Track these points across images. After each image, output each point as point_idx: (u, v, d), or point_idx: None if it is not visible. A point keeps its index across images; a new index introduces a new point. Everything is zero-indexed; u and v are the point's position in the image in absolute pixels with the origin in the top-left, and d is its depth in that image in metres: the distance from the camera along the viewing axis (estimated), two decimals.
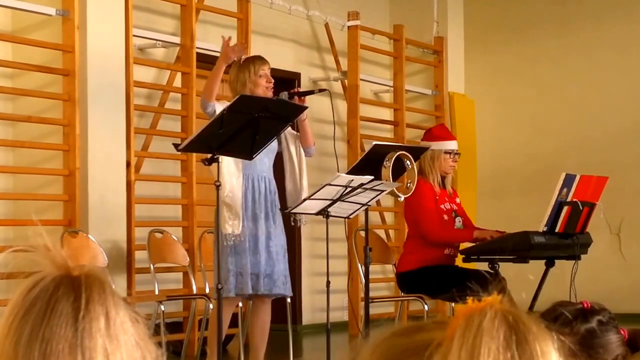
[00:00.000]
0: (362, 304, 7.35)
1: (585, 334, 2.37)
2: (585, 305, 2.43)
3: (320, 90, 7.18)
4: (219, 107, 6.36)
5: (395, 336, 1.21)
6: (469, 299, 1.20)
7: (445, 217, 7.49)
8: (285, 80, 10.26)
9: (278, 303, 7.16)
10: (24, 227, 7.59)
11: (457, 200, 7.70)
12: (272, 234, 6.63)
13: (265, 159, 6.61)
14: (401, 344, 1.20)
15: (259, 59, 6.80)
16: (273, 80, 6.76)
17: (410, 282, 7.42)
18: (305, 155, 6.86)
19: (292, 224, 6.85)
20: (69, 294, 1.29)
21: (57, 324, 1.27)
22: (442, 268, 7.33)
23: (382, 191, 6.64)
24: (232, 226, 6.48)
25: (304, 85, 10.54)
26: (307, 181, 6.83)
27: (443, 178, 7.61)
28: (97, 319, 1.28)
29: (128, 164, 8.13)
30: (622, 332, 2.41)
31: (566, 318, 2.38)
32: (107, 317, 1.29)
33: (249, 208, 6.58)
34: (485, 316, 1.15)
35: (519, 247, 7.12)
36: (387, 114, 11.32)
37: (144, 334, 1.33)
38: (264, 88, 6.64)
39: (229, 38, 6.62)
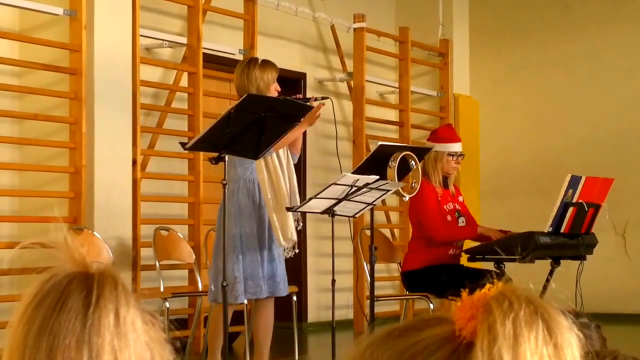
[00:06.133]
0: (368, 302, 7.36)
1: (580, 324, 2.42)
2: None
3: (323, 98, 6.98)
4: None
5: (394, 339, 1.14)
6: (464, 294, 1.14)
7: (449, 217, 7.51)
8: (292, 81, 10.30)
9: (284, 301, 7.18)
10: (29, 223, 7.64)
11: (460, 199, 7.71)
12: (274, 237, 6.66)
13: None
14: (407, 345, 1.12)
15: (275, 68, 6.78)
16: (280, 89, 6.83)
17: (415, 281, 7.45)
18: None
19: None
20: (81, 289, 1.30)
21: (67, 319, 1.27)
22: (447, 267, 7.35)
23: (387, 191, 6.66)
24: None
25: (310, 86, 10.59)
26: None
27: (445, 178, 7.63)
28: (107, 315, 1.28)
29: (134, 162, 8.16)
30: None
31: None
32: (116, 314, 1.29)
33: (256, 213, 6.62)
34: (511, 301, 1.11)
35: (525, 247, 7.13)
36: (392, 114, 11.34)
37: (158, 337, 1.32)
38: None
39: (323, 104, 6.64)
